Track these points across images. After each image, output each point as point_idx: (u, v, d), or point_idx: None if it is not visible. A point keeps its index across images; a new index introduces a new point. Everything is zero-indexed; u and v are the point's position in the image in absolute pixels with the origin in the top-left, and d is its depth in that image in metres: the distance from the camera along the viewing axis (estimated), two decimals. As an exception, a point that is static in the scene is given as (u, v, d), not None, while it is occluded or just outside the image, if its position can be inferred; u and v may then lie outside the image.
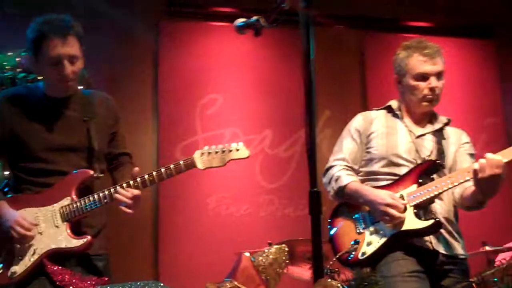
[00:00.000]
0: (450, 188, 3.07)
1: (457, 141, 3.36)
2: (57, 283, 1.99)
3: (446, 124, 3.40)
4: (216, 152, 3.09)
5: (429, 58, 3.24)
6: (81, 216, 3.03)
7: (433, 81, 3.24)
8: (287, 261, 2.05)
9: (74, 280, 1.93)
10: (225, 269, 2.48)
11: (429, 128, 3.35)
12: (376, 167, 3.28)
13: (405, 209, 3.07)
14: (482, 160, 2.91)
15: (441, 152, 3.25)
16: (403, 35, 6.49)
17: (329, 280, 1.95)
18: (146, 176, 3.05)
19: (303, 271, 4.48)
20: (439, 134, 3.33)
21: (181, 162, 3.08)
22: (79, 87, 3.31)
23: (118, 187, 3.03)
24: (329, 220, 3.35)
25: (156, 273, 5.39)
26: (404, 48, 3.34)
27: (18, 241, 2.95)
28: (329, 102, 6.10)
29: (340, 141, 3.43)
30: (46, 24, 3.00)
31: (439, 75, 3.26)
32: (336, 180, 3.25)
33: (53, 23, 3.00)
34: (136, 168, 3.07)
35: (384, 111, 3.43)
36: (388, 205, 3.04)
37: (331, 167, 3.33)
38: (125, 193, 3.01)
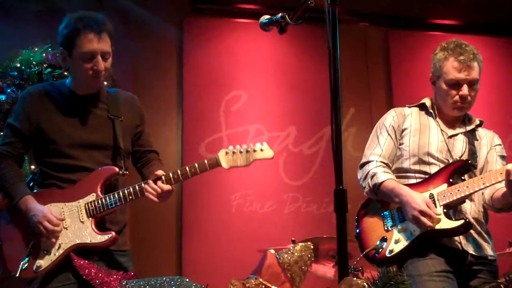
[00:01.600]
0: (481, 188, 3.03)
1: (489, 143, 3.31)
2: (83, 277, 2.00)
3: (479, 125, 3.35)
4: (241, 152, 3.11)
5: (464, 66, 3.15)
6: (106, 213, 3.05)
7: (465, 89, 3.17)
8: (312, 259, 2.04)
9: (100, 274, 1.94)
10: (248, 265, 2.47)
11: (462, 128, 3.30)
12: (407, 164, 3.25)
13: (439, 220, 3.02)
14: None
15: (473, 152, 3.21)
16: (428, 32, 6.46)
17: (355, 278, 1.94)
18: (170, 174, 3.08)
19: (327, 269, 4.47)
20: (471, 135, 3.28)
21: (206, 161, 3.09)
22: (105, 83, 3.34)
23: (143, 184, 3.06)
24: (356, 217, 3.34)
25: (180, 269, 5.42)
26: (441, 49, 3.26)
27: (46, 236, 2.98)
28: (354, 100, 6.08)
29: (375, 136, 3.38)
30: (81, 20, 3.04)
31: (472, 83, 3.19)
32: (372, 176, 3.22)
33: (88, 19, 3.05)
34: (160, 171, 3.10)
35: (417, 109, 3.38)
36: (421, 212, 2.99)
37: (367, 162, 3.30)
38: (156, 188, 3.04)
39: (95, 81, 3.12)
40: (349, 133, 6.01)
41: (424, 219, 2.99)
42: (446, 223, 3.01)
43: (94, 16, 3.08)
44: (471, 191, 3.03)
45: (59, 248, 2.98)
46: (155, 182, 3.05)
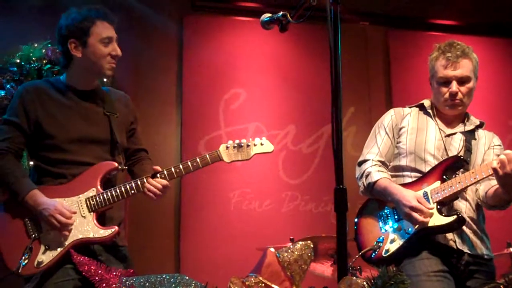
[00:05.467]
0: (473, 183, 3.03)
1: (488, 143, 3.32)
2: (83, 273, 2.00)
3: (479, 126, 3.36)
4: (241, 146, 3.18)
5: (451, 63, 3.20)
6: (107, 207, 3.06)
7: (454, 86, 3.20)
8: (312, 258, 2.04)
9: (99, 271, 1.94)
10: (246, 263, 2.48)
11: (461, 128, 3.31)
12: (403, 162, 3.27)
13: (431, 214, 3.04)
14: (504, 154, 2.87)
15: (469, 150, 3.22)
16: (428, 32, 6.46)
17: (354, 278, 1.94)
18: (172, 169, 3.11)
19: (325, 268, 4.48)
20: (470, 134, 3.29)
21: (207, 155, 3.15)
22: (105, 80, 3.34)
23: (145, 179, 3.08)
24: (355, 220, 3.35)
25: (178, 266, 5.42)
26: (435, 50, 3.31)
27: (59, 229, 2.96)
28: (353, 99, 6.08)
29: (373, 135, 3.42)
30: (96, 11, 3.11)
31: (462, 80, 3.21)
32: (367, 176, 3.26)
33: (101, 10, 3.13)
34: (156, 167, 3.15)
35: (417, 109, 3.41)
36: (412, 208, 3.03)
37: (364, 161, 3.34)
38: (156, 184, 3.07)
39: (112, 66, 3.15)
40: (349, 132, 6.01)
41: (416, 215, 3.02)
42: (439, 220, 3.03)
43: (105, 9, 3.16)
44: (464, 186, 3.03)
45: (61, 243, 2.97)
46: (153, 177, 3.09)
